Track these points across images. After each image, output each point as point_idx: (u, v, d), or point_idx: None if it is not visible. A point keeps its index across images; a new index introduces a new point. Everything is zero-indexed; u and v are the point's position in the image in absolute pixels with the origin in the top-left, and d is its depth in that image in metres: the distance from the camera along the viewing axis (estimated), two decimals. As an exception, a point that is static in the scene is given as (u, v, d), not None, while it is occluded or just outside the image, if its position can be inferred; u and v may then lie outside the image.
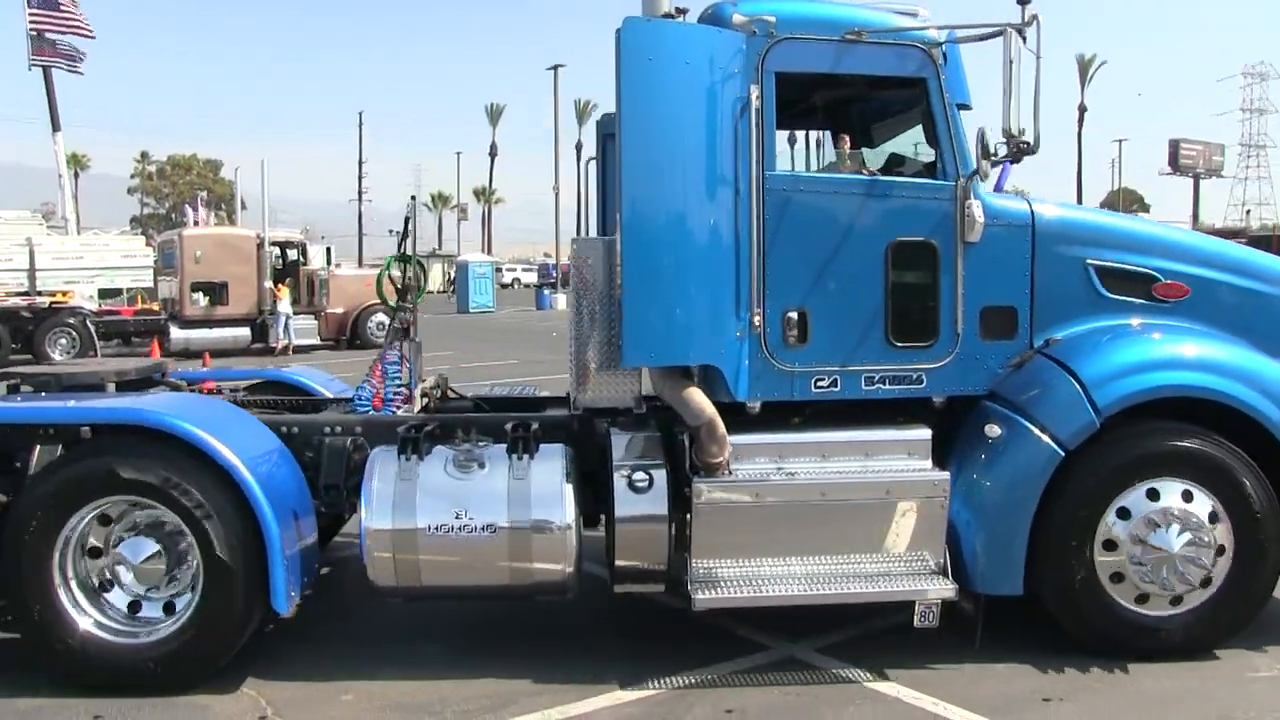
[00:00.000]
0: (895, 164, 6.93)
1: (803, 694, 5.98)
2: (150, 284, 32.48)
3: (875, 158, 7.14)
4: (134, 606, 6.11)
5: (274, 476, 6.09)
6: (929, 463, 6.38)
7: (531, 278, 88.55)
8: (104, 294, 31.33)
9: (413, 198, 7.59)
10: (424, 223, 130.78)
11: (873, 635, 6.77)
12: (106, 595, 6.10)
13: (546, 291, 58.49)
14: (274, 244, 31.32)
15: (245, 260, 30.33)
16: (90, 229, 41.86)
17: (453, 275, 67.42)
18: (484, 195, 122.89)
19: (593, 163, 8.34)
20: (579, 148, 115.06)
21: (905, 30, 6.41)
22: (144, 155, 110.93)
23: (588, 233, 7.92)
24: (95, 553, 6.09)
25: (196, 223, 33.79)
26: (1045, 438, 6.19)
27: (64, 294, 28.71)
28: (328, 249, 37.12)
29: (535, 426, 6.40)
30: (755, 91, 6.16)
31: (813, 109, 7.33)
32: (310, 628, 7.11)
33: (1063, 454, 6.16)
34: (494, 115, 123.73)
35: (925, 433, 6.43)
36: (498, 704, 5.84)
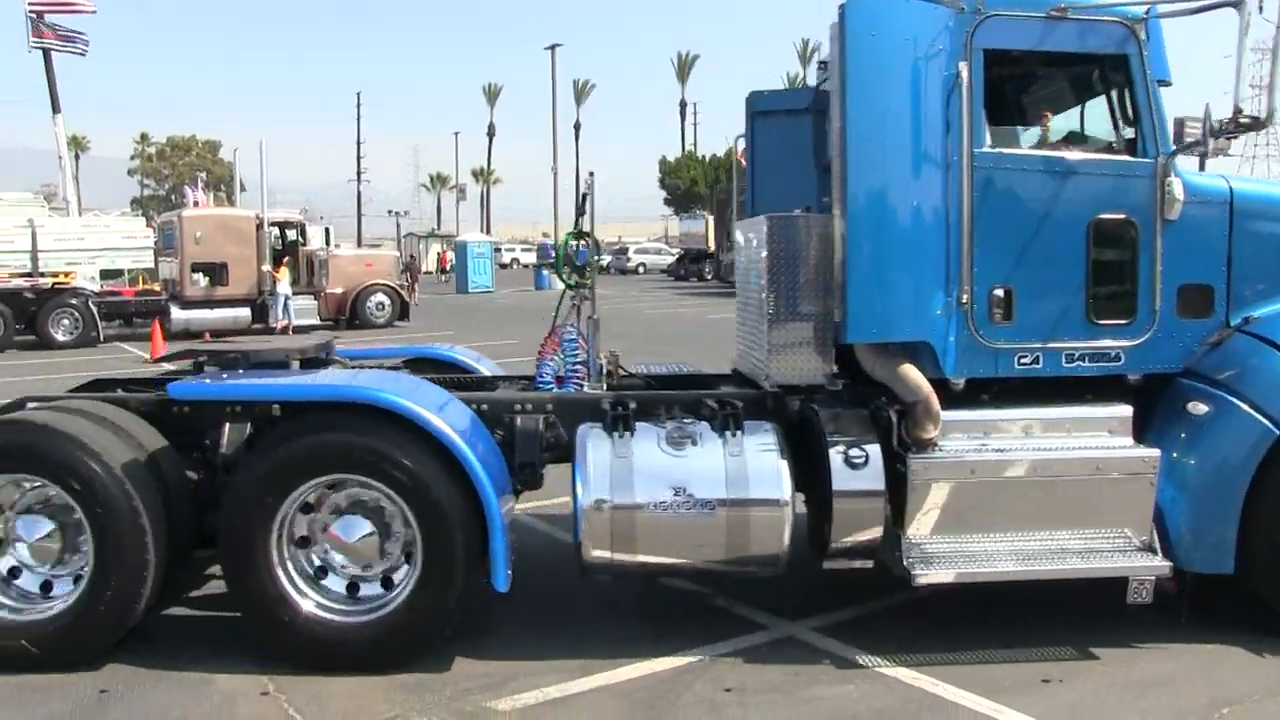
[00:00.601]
0: (1075, 141, 6.90)
1: (801, 673, 5.99)
2: (151, 265, 32.35)
3: (1035, 135, 7.10)
4: (353, 588, 6.11)
5: (484, 452, 6.06)
6: (1130, 439, 6.39)
7: (530, 258, 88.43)
8: (105, 275, 31.22)
9: (590, 174, 7.54)
10: (421, 204, 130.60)
11: (871, 616, 6.83)
12: (323, 581, 6.10)
13: (545, 272, 58.36)
14: (273, 225, 31.21)
15: (244, 241, 30.25)
16: (91, 210, 41.78)
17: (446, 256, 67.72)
18: (482, 175, 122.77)
19: (740, 140, 8.24)
20: (578, 127, 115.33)
21: (1110, 5, 6.38)
22: (143, 137, 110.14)
23: (736, 212, 7.84)
24: (304, 542, 6.09)
25: (196, 204, 33.67)
26: (1258, 415, 6.18)
27: (66, 275, 28.60)
28: (326, 230, 36.99)
29: (740, 404, 6.39)
30: (964, 68, 6.15)
31: (1006, 84, 7.28)
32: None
33: (1277, 432, 6.14)
34: (492, 95, 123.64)
35: (1126, 410, 6.44)
36: (498, 682, 5.84)
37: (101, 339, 28.28)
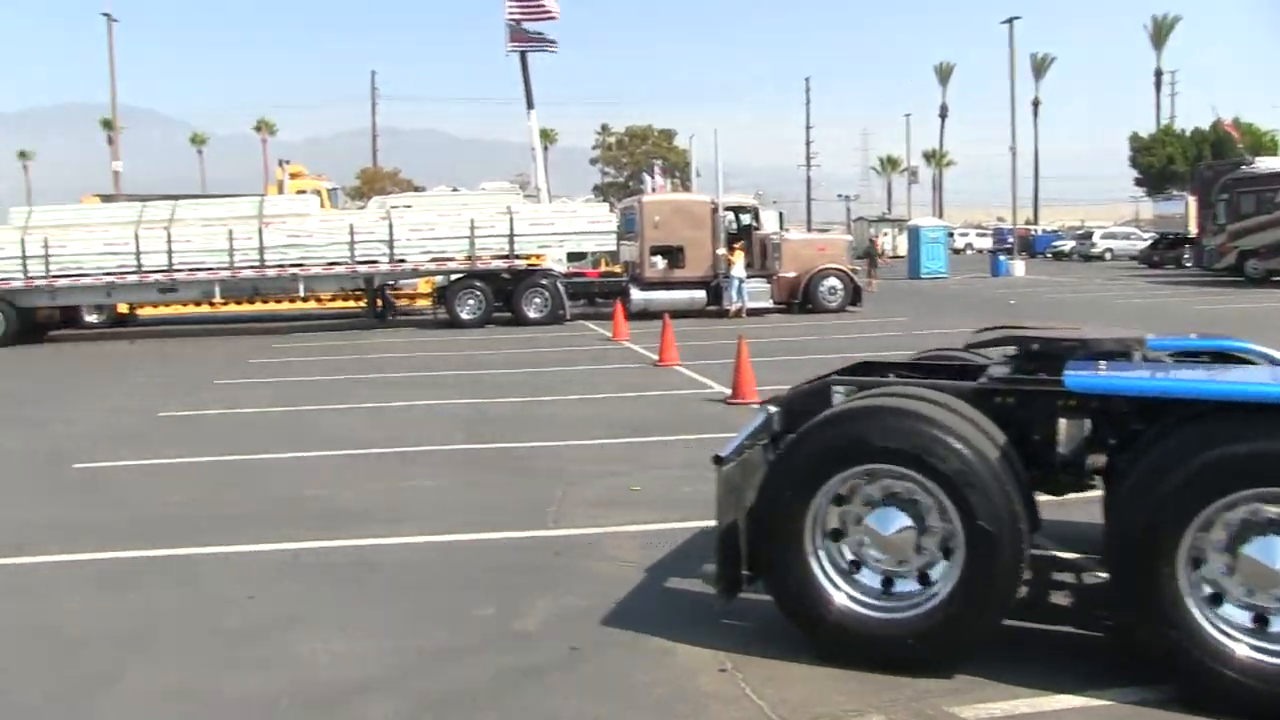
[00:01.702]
0: None
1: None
2: (612, 248, 34.07)
3: None
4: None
5: None
6: None
7: (985, 243, 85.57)
8: (571, 257, 33.32)
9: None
10: (870, 187, 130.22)
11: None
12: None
13: (1002, 257, 56.09)
14: (728, 209, 31.66)
15: (700, 225, 31.00)
16: (559, 197, 44.91)
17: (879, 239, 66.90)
18: (934, 158, 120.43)
19: None
20: (1036, 105, 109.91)
21: None
22: (604, 128, 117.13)
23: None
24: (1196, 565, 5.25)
25: (655, 189, 35.20)
26: None
27: (537, 257, 30.79)
28: (780, 213, 37.43)
29: None
30: None
31: None
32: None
33: None
34: (944, 75, 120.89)
35: None
36: (963, 688, 5.30)
37: (568, 317, 30.22)
